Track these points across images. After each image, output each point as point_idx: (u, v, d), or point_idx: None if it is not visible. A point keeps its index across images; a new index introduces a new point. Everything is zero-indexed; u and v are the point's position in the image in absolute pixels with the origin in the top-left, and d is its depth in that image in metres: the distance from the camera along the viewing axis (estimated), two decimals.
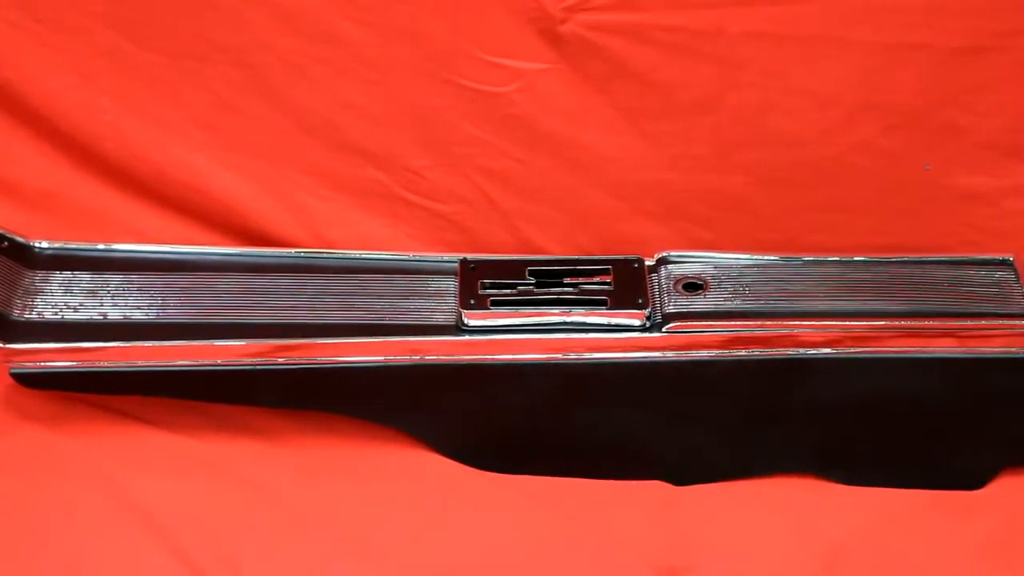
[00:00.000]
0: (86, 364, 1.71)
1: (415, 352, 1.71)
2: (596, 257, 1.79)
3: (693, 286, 1.75)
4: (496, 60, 1.81)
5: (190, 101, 1.88)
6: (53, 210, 1.91)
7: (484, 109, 1.84)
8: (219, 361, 1.71)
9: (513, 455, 1.76)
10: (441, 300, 1.75)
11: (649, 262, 1.78)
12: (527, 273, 1.76)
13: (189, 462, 1.74)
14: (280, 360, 1.71)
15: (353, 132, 1.88)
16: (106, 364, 1.71)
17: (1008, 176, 1.83)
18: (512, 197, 1.89)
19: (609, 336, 1.70)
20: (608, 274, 1.75)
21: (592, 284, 1.75)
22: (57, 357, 1.71)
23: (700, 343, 1.70)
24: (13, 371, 1.73)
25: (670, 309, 1.72)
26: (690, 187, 1.87)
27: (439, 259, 1.81)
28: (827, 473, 1.75)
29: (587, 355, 1.71)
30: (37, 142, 1.91)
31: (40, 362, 1.72)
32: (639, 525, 1.69)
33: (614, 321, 1.70)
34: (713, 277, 1.76)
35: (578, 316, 1.71)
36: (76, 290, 1.77)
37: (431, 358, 1.71)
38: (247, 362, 1.71)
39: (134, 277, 1.79)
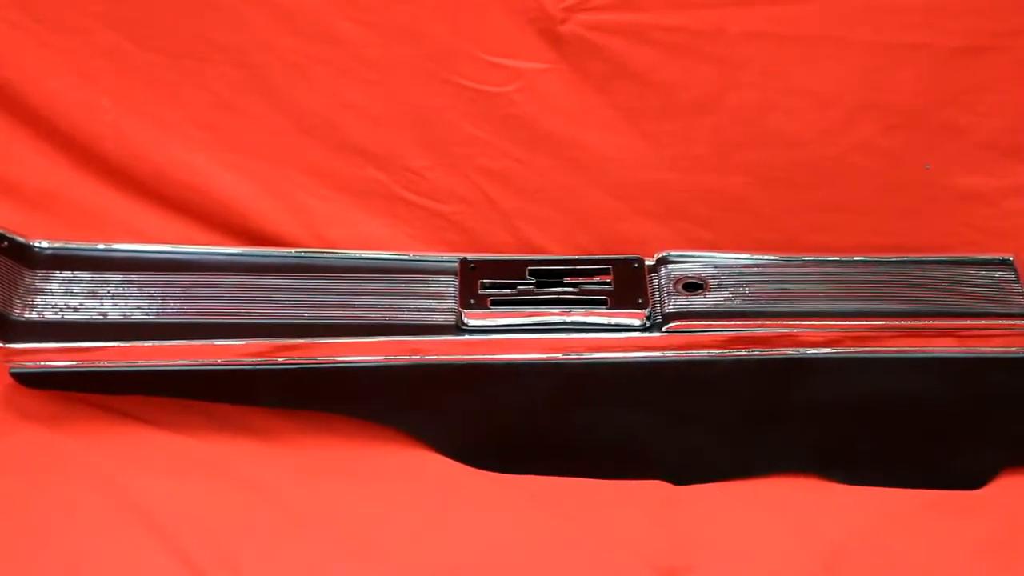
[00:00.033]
0: (86, 364, 1.71)
1: (415, 352, 1.71)
2: (596, 257, 1.79)
3: (693, 286, 1.74)
4: (496, 60, 1.82)
5: (190, 101, 1.88)
6: (53, 210, 1.91)
7: (484, 109, 1.84)
8: (219, 361, 1.71)
9: (513, 455, 1.76)
10: (441, 300, 1.75)
11: (649, 262, 1.78)
12: (527, 273, 1.76)
13: (189, 462, 1.74)
14: (280, 360, 1.71)
15: (353, 132, 1.88)
16: (106, 364, 1.71)
17: (1008, 176, 1.83)
18: (512, 197, 1.89)
19: (609, 336, 1.70)
20: (608, 274, 1.75)
21: (592, 284, 1.75)
22: (57, 357, 1.71)
23: (700, 343, 1.70)
24: (13, 371, 1.73)
25: (670, 309, 1.72)
26: (690, 187, 1.87)
27: (439, 259, 1.81)
28: (827, 473, 1.75)
29: (587, 355, 1.71)
30: (37, 142, 1.91)
31: (40, 362, 1.72)
32: (639, 525, 1.69)
33: (614, 321, 1.70)
34: (713, 277, 1.76)
35: (578, 316, 1.71)
36: (76, 290, 1.77)
37: (431, 358, 1.71)
38: (247, 362, 1.71)
39: (134, 277, 1.79)
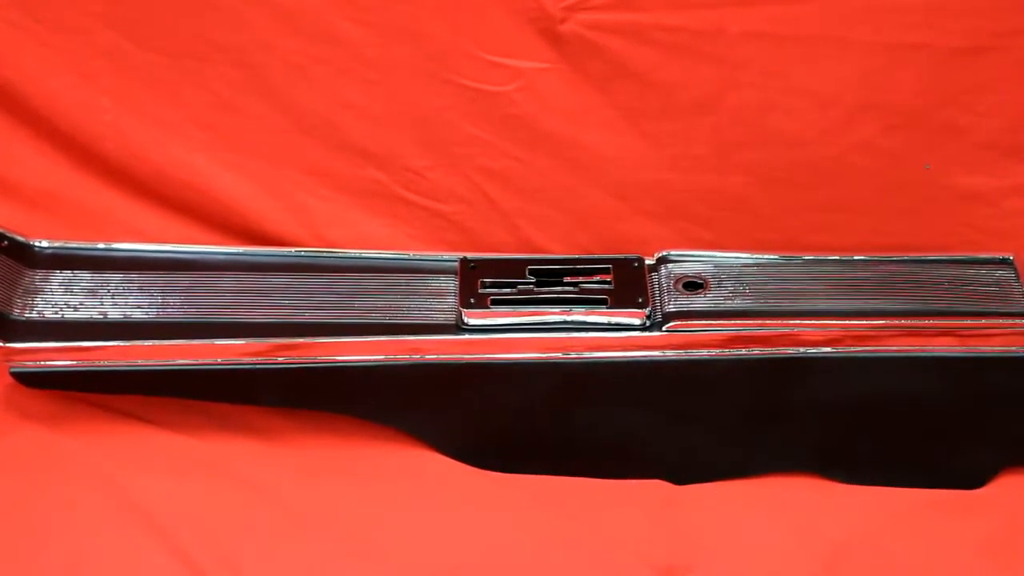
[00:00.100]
0: (86, 363, 1.71)
1: (415, 351, 1.71)
2: (596, 256, 1.80)
3: (693, 285, 1.75)
4: (496, 60, 1.82)
5: (190, 101, 1.88)
6: (53, 210, 1.91)
7: (484, 109, 1.84)
8: (219, 360, 1.71)
9: (513, 454, 1.76)
10: (441, 299, 1.75)
11: (649, 261, 1.78)
12: (527, 272, 1.76)
13: (189, 462, 1.74)
14: (280, 359, 1.71)
15: (353, 132, 1.88)
16: (106, 363, 1.71)
17: (1008, 176, 1.83)
18: (512, 197, 1.89)
19: (609, 335, 1.70)
20: (608, 273, 1.76)
21: (592, 283, 1.75)
22: (57, 356, 1.71)
23: (700, 342, 1.70)
24: (13, 370, 1.73)
25: (670, 308, 1.72)
26: (690, 187, 1.87)
27: (439, 258, 1.81)
28: (827, 473, 1.75)
29: (587, 354, 1.71)
30: (37, 142, 1.91)
31: (40, 361, 1.72)
32: (639, 525, 1.69)
33: (614, 320, 1.70)
34: (713, 276, 1.76)
35: (578, 315, 1.71)
36: (76, 289, 1.77)
37: (431, 357, 1.71)
38: (247, 361, 1.71)
39: (134, 276, 1.79)
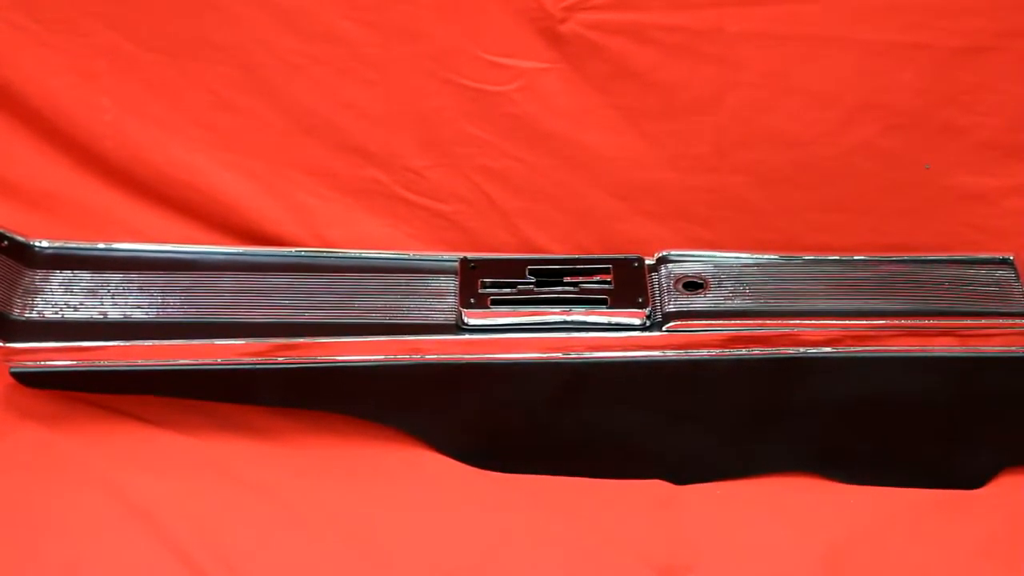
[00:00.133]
0: (86, 363, 1.71)
1: (415, 351, 1.71)
2: (596, 256, 1.80)
3: (693, 285, 1.75)
4: (496, 59, 1.82)
5: (190, 101, 1.88)
6: (53, 210, 1.92)
7: (484, 109, 1.85)
8: (219, 360, 1.71)
9: (513, 454, 1.75)
10: (441, 299, 1.75)
11: (649, 261, 1.78)
12: (527, 272, 1.76)
13: (189, 462, 1.74)
14: (280, 359, 1.71)
15: (353, 132, 1.88)
16: (106, 363, 1.71)
17: (1008, 176, 1.83)
18: (512, 197, 1.89)
19: (609, 335, 1.70)
20: (608, 273, 1.75)
21: (592, 283, 1.75)
22: (57, 356, 1.71)
23: (700, 342, 1.70)
24: (13, 370, 1.73)
25: (670, 308, 1.72)
26: (690, 187, 1.87)
27: (439, 258, 1.81)
28: (827, 473, 1.75)
29: (587, 354, 1.70)
30: (37, 142, 1.91)
31: (40, 361, 1.72)
32: (639, 525, 1.69)
33: (614, 320, 1.70)
34: (713, 276, 1.76)
35: (578, 315, 1.71)
36: (76, 289, 1.77)
37: (431, 357, 1.71)
38: (247, 361, 1.71)
39: (134, 276, 1.79)
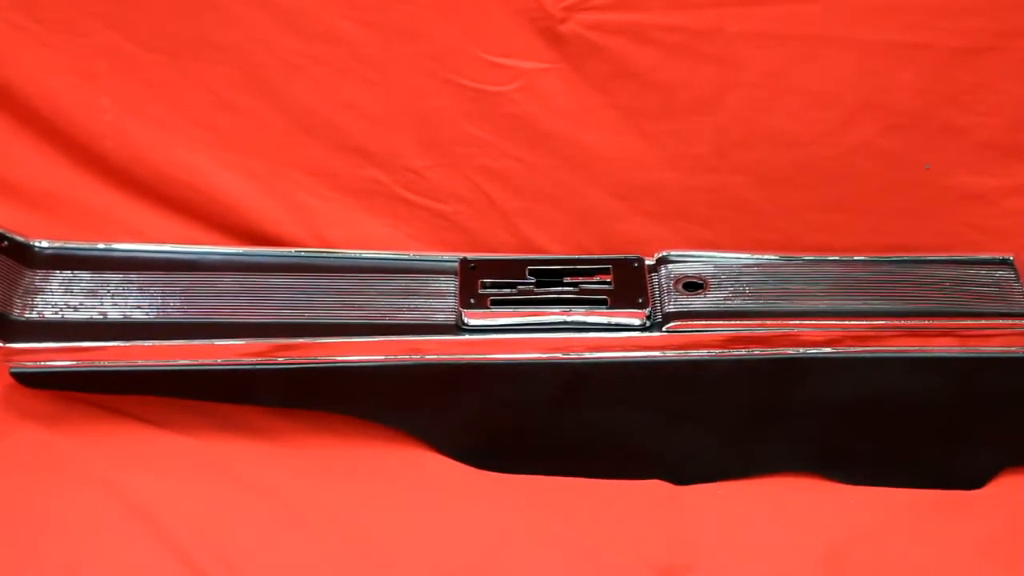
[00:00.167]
0: (86, 364, 1.71)
1: (415, 351, 1.71)
2: (596, 256, 1.80)
3: (693, 285, 1.74)
4: (496, 60, 1.82)
5: (190, 101, 1.88)
6: (53, 210, 1.91)
7: (484, 109, 1.85)
8: (219, 360, 1.71)
9: (513, 454, 1.76)
10: (441, 299, 1.75)
11: (649, 261, 1.78)
12: (527, 272, 1.76)
13: (189, 462, 1.74)
14: (280, 359, 1.71)
15: (353, 132, 1.88)
16: (106, 364, 1.71)
17: (1008, 176, 1.83)
18: (512, 197, 1.89)
19: (609, 335, 1.70)
20: (608, 273, 1.75)
21: (592, 283, 1.75)
22: (57, 356, 1.71)
23: (700, 343, 1.70)
24: (13, 371, 1.73)
25: (670, 308, 1.72)
26: (690, 187, 1.87)
27: (439, 258, 1.81)
28: (827, 473, 1.75)
29: (587, 354, 1.70)
30: (37, 142, 1.91)
31: (40, 361, 1.72)
32: (639, 525, 1.69)
33: (614, 320, 1.70)
34: (713, 276, 1.76)
35: (578, 315, 1.71)
36: (76, 289, 1.77)
37: (431, 357, 1.71)
38: (247, 361, 1.71)
39: (134, 276, 1.79)
